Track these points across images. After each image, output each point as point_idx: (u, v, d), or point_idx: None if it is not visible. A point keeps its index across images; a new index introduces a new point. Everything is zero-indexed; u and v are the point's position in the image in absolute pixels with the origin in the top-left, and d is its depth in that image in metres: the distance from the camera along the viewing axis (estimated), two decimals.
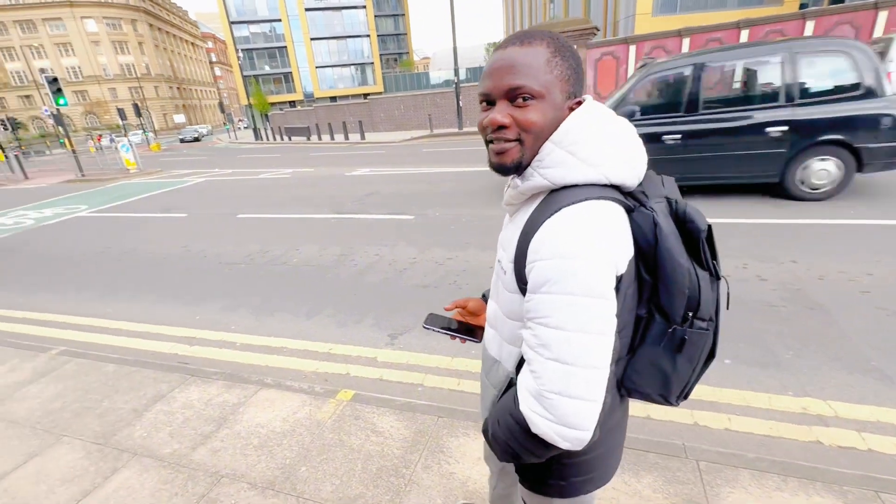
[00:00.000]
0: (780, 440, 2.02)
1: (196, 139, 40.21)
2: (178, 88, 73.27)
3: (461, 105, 19.84)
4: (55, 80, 14.22)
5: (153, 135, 36.00)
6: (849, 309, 2.94)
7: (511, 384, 0.85)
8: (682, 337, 0.76)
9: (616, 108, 5.46)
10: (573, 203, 0.69)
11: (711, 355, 0.83)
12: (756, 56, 5.10)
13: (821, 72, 4.83)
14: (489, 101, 0.75)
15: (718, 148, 5.19)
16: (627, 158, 0.75)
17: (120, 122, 37.79)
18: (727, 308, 0.81)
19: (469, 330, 1.10)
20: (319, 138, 24.07)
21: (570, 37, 16.95)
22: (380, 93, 43.49)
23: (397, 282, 4.16)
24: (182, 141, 40.31)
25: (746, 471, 1.77)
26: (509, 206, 0.86)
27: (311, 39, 49.42)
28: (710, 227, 0.76)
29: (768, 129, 4.90)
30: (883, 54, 5.70)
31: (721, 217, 4.85)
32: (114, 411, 2.57)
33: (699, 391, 2.35)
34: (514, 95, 0.72)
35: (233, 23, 44.28)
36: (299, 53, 49.86)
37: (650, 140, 5.15)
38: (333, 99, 46.40)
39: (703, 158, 5.27)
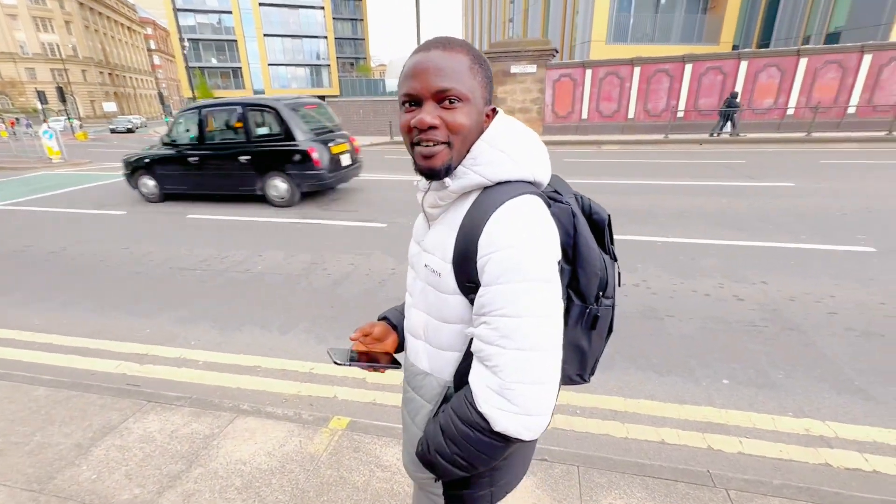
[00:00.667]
0: (792, 463, 2.03)
1: (130, 130, 37.02)
2: (109, 74, 67.30)
3: None
4: None
5: (79, 122, 32.63)
6: (822, 330, 3.11)
7: (447, 397, 0.84)
8: (595, 315, 0.83)
9: (167, 134, 7.87)
10: (513, 197, 0.73)
11: (611, 329, 0.91)
12: (232, 108, 7.37)
13: (261, 121, 7.27)
14: (414, 102, 0.74)
15: (219, 168, 7.47)
16: (544, 160, 0.81)
17: (39, 106, 33.90)
18: (619, 286, 0.89)
19: (391, 359, 1.00)
20: None
21: (531, 56, 17.51)
22: (336, 96, 42.49)
23: (378, 294, 3.91)
24: (113, 132, 36.93)
25: (776, 499, 1.74)
26: (434, 209, 0.84)
27: (265, 35, 47.51)
28: (609, 216, 0.90)
29: (240, 158, 7.21)
30: None
31: (695, 238, 5.08)
32: (50, 447, 2.12)
33: (705, 412, 2.36)
34: (442, 97, 0.72)
35: (178, 10, 41.48)
36: (250, 49, 47.71)
37: (181, 159, 7.60)
38: None
39: (213, 175, 7.54)
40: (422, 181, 0.84)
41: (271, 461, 2.00)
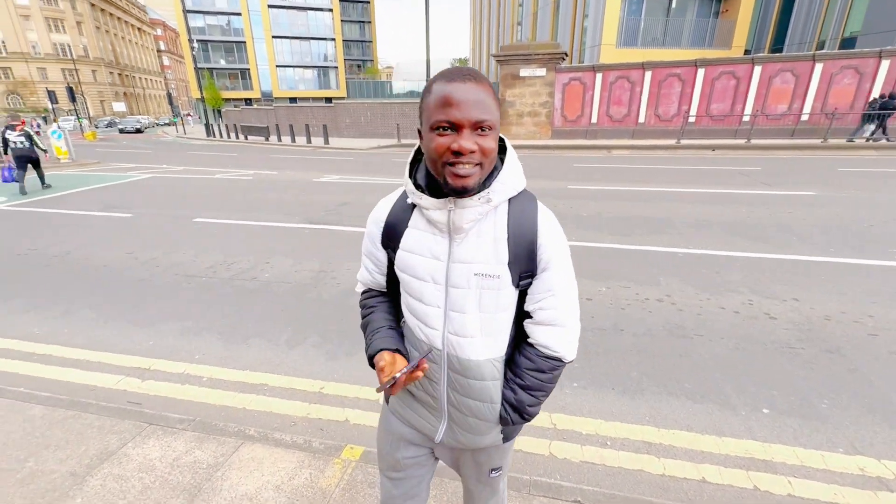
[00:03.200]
0: None
1: (139, 130, 37.26)
2: (119, 74, 67.91)
3: None
4: None
5: (88, 122, 32.83)
6: (864, 353, 2.91)
7: (505, 364, 1.03)
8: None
9: None
10: (535, 202, 0.97)
11: None
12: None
13: None
14: (451, 128, 0.82)
15: None
16: None
17: (49, 106, 34.22)
18: None
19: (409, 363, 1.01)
20: (279, 139, 22.97)
21: (541, 59, 17.37)
22: (342, 98, 42.54)
23: None
24: (122, 132, 37.18)
25: None
26: (469, 224, 0.91)
27: (273, 37, 47.70)
28: None
29: None
30: None
31: (717, 249, 4.89)
32: (43, 475, 1.98)
33: (746, 445, 2.18)
34: (479, 126, 0.82)
35: (187, 11, 41.78)
36: (259, 50, 47.90)
37: None
38: (293, 100, 44.83)
39: None
40: (425, 199, 0.92)
41: (279, 497, 1.84)
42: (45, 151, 10.42)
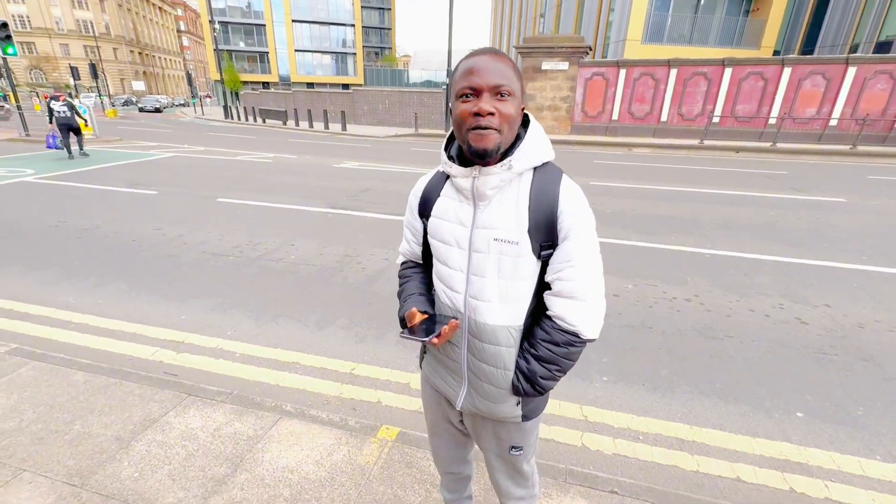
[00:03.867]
0: None
1: (157, 110, 37.59)
2: (139, 53, 68.40)
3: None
4: (4, 24, 12.65)
5: (108, 99, 33.19)
6: None
7: (524, 335, 1.04)
8: None
9: None
10: (561, 174, 0.99)
11: None
12: None
13: None
14: (472, 94, 0.89)
15: None
16: None
17: (71, 82, 34.63)
18: None
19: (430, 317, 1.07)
20: (297, 124, 23.03)
21: (564, 53, 17.11)
22: (360, 84, 42.41)
23: None
24: (141, 110, 37.56)
25: None
26: (492, 190, 0.96)
27: (293, 21, 47.57)
28: None
29: None
30: None
31: (745, 252, 4.83)
32: (90, 438, 2.04)
33: (781, 447, 2.17)
34: (497, 91, 0.88)
35: None
36: (278, 34, 47.84)
37: None
38: (311, 85, 44.83)
39: None
40: (454, 167, 0.98)
41: (320, 471, 1.88)
42: (84, 121, 12.00)
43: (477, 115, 0.87)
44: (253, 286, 3.88)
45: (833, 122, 14.97)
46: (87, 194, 7.22)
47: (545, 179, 0.96)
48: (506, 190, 0.96)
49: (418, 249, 1.18)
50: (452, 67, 19.60)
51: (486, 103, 0.87)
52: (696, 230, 5.62)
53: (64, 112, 10.42)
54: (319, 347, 2.98)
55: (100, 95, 33.28)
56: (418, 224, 1.13)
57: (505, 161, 0.93)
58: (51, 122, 10.61)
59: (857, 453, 2.15)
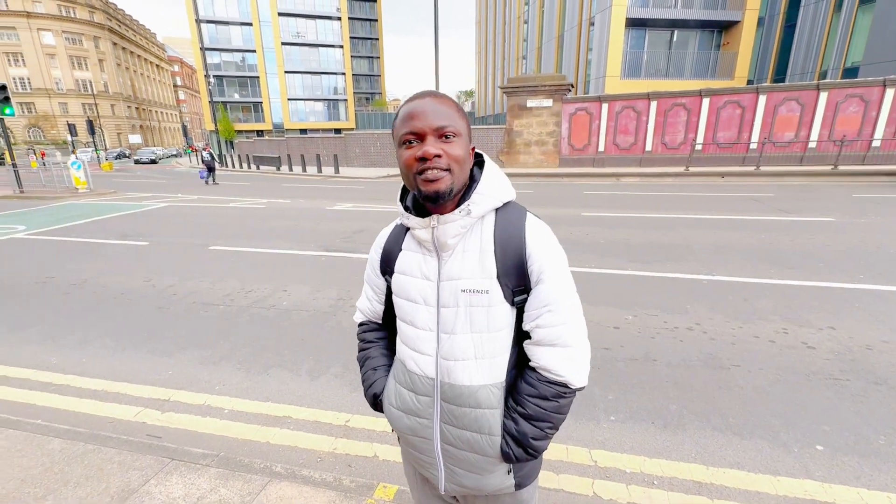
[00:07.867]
0: None
1: (153, 161, 38.25)
2: (136, 108, 70.37)
3: None
4: (3, 87, 13.01)
5: (104, 153, 33.77)
6: None
7: (507, 392, 0.96)
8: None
9: None
10: (525, 213, 0.93)
11: None
12: None
13: None
14: (416, 140, 0.86)
15: None
16: None
17: (68, 139, 35.44)
18: None
19: None
20: (290, 169, 23.41)
21: (547, 91, 17.77)
22: (352, 129, 43.60)
23: None
24: (137, 162, 38.19)
25: None
26: (454, 239, 0.90)
27: (286, 72, 49.43)
28: None
29: None
30: None
31: (743, 276, 4.79)
32: None
33: (805, 486, 2.03)
34: (441, 133, 0.85)
35: (205, 49, 43.68)
36: (272, 85, 49.56)
37: None
38: (304, 131, 46.01)
39: None
40: (412, 219, 0.93)
41: None
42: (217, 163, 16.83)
43: (423, 159, 0.83)
44: (244, 336, 3.77)
45: (812, 145, 15.42)
46: (78, 248, 7.15)
47: (508, 220, 0.91)
48: (468, 237, 0.91)
49: (380, 308, 1.12)
50: None
51: (431, 146, 0.83)
52: (691, 256, 5.61)
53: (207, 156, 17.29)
54: (312, 399, 2.85)
55: (96, 150, 33.87)
56: (381, 282, 1.07)
57: (463, 206, 0.89)
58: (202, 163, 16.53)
59: (886, 488, 2.02)
